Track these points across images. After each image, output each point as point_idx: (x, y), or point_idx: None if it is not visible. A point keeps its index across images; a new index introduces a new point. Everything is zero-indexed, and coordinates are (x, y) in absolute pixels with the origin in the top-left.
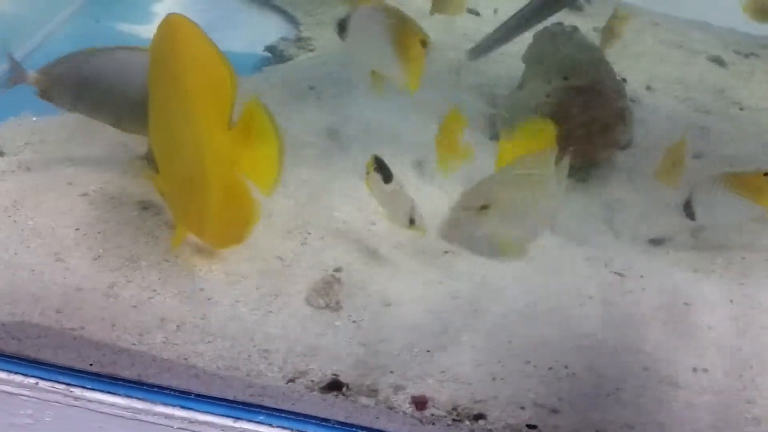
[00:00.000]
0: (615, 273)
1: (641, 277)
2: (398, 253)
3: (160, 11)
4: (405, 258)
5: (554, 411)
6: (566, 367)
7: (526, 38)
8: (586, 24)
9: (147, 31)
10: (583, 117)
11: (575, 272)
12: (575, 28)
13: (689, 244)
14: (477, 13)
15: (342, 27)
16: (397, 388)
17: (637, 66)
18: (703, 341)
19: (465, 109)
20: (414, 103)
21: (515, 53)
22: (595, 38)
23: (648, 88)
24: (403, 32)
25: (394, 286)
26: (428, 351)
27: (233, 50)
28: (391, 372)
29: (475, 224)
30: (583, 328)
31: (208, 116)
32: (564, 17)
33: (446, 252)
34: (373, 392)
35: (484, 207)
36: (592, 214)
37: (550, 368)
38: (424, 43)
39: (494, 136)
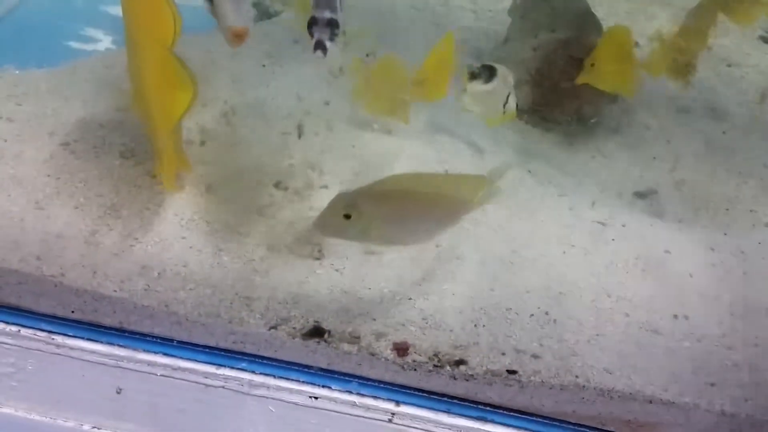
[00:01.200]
0: (597, 222)
1: (623, 226)
2: None
3: None
4: None
5: (535, 356)
6: (547, 313)
7: None
8: None
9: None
10: (570, 70)
11: (558, 221)
12: None
13: (674, 197)
14: None
15: None
16: (379, 335)
17: (625, 23)
18: (684, 288)
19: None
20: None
21: (502, 9)
22: None
23: (636, 44)
24: None
25: None
26: (410, 298)
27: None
28: (374, 319)
29: (340, 228)
30: (566, 276)
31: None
32: None
33: None
34: (355, 339)
35: (347, 216)
36: (579, 166)
37: (532, 315)
38: None
39: None
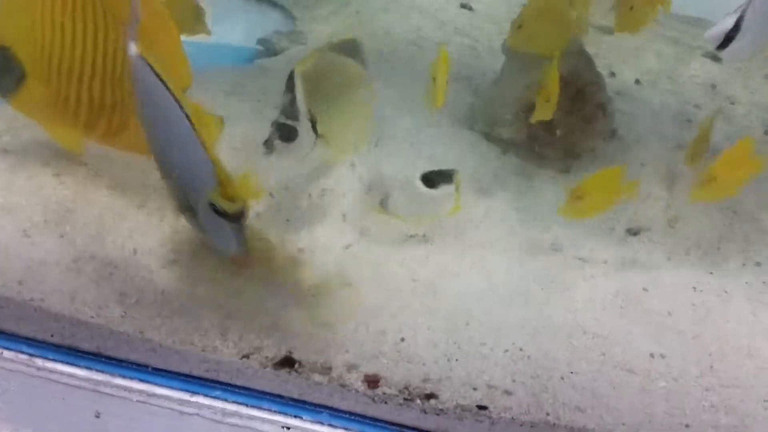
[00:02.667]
0: (578, 258)
1: (605, 262)
2: (360, 236)
3: None
4: (366, 241)
5: (507, 392)
6: (521, 349)
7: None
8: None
9: None
10: (562, 107)
11: (539, 257)
12: None
13: (666, 235)
14: (470, 8)
15: None
16: (351, 367)
17: (630, 60)
18: (662, 327)
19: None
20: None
21: (498, 46)
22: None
23: (637, 81)
24: None
25: (353, 266)
26: (383, 331)
27: (229, 43)
28: (347, 351)
29: None
30: (542, 312)
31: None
32: None
33: (411, 236)
34: (326, 370)
35: None
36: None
37: (506, 350)
38: None
39: (471, 127)
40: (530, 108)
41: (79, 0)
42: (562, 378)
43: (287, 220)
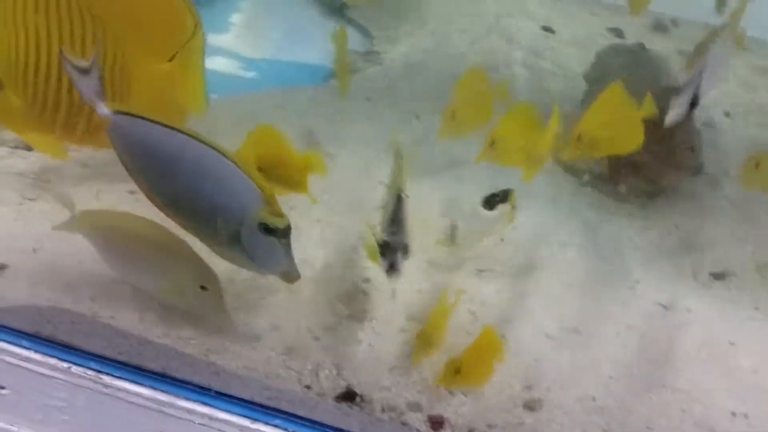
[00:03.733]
0: (660, 304)
1: (688, 311)
2: (427, 267)
3: (238, 21)
4: (433, 273)
5: None
6: (594, 399)
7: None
8: (670, 45)
9: (224, 40)
10: (647, 140)
11: (617, 300)
12: (642, 46)
13: (754, 281)
14: (551, 31)
15: None
16: (413, 406)
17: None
18: (746, 384)
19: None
20: None
21: (581, 71)
22: (678, 61)
23: (726, 114)
24: None
25: (419, 301)
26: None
27: (306, 61)
28: (410, 389)
29: None
30: (618, 359)
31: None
32: (648, 38)
33: (481, 271)
34: (390, 408)
35: None
36: (652, 240)
37: (579, 399)
38: None
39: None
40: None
41: (52, 2)
42: None
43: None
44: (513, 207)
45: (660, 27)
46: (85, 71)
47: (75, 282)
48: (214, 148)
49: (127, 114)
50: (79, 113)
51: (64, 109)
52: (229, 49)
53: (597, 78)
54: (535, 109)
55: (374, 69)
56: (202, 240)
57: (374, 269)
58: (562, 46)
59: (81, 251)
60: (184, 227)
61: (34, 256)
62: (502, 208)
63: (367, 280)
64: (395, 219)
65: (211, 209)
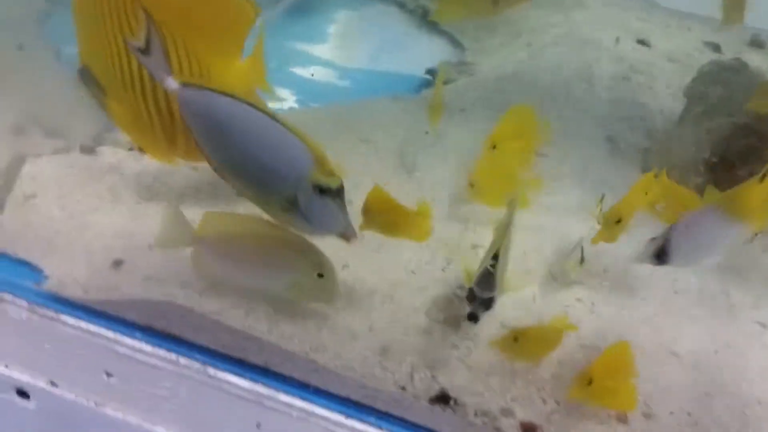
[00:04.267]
0: (758, 323)
1: None
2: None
3: (335, 31)
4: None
5: None
6: (689, 414)
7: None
8: (767, 62)
9: (321, 50)
10: (746, 156)
11: (715, 318)
12: (744, 64)
13: None
14: (648, 45)
15: None
16: (506, 412)
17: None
18: None
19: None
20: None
21: (679, 87)
22: None
23: None
24: None
25: (513, 310)
26: (543, 378)
27: (398, 71)
28: (504, 396)
29: None
30: (715, 377)
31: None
32: (744, 54)
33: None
34: (483, 413)
35: None
36: (750, 259)
37: (671, 413)
38: None
39: (646, 169)
40: (713, 155)
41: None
42: None
43: None
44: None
45: (757, 42)
46: (145, 50)
47: (185, 278)
48: (267, 114)
49: (194, 86)
50: (176, 125)
51: (161, 119)
52: (325, 58)
53: (698, 95)
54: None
55: (466, 80)
56: (264, 209)
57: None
58: (658, 59)
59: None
60: (249, 197)
61: (149, 253)
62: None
63: (462, 287)
64: (487, 275)
65: (269, 175)
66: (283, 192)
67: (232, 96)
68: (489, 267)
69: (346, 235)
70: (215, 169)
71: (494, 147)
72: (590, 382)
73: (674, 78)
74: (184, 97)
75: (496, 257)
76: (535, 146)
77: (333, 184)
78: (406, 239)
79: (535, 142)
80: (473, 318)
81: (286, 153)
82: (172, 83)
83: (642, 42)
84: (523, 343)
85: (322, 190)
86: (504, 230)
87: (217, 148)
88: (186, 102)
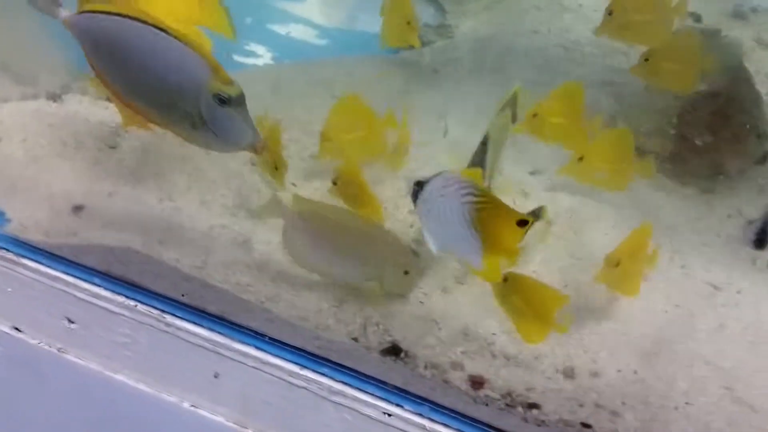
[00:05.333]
0: (710, 284)
1: (738, 292)
2: None
3: None
4: None
5: (614, 414)
6: (636, 372)
7: None
8: (747, 33)
9: (300, 9)
10: (712, 123)
11: (667, 279)
12: (717, 31)
13: None
14: None
15: None
16: (456, 365)
17: None
18: None
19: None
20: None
21: None
22: (754, 50)
23: None
24: None
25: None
26: (494, 334)
27: (377, 32)
28: (454, 348)
29: None
30: (663, 335)
31: None
32: (726, 25)
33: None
34: (432, 365)
35: None
36: (709, 224)
37: (619, 371)
38: None
39: None
40: (679, 120)
41: None
42: (676, 408)
43: None
44: (548, 223)
45: (739, 14)
46: None
47: (146, 225)
48: (158, 27)
49: (83, 13)
50: None
51: None
52: (304, 17)
53: None
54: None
55: (444, 42)
56: (171, 129)
57: None
58: None
59: (153, 199)
60: (153, 120)
61: (109, 199)
62: (537, 226)
63: (417, 241)
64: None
65: (169, 91)
66: (187, 108)
67: (121, 14)
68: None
69: (255, 146)
70: (115, 95)
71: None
72: (617, 265)
73: None
74: (75, 24)
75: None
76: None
77: (233, 92)
78: None
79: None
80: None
81: (182, 66)
82: (62, 13)
83: None
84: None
85: (222, 101)
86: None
87: (115, 73)
88: (78, 30)
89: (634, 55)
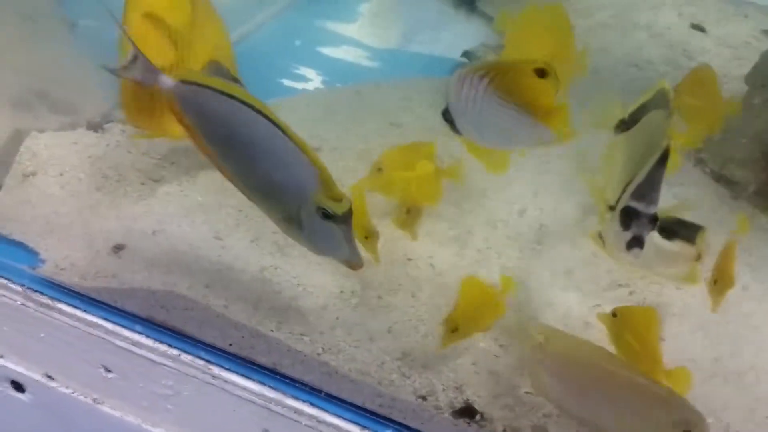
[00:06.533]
0: None
1: None
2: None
3: (366, 11)
4: (571, 284)
5: None
6: None
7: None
8: None
9: (351, 29)
10: None
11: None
12: None
13: None
14: (702, 30)
15: None
16: (538, 429)
17: None
18: None
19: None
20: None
21: (735, 74)
22: None
23: None
24: None
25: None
26: None
27: (432, 53)
28: (536, 411)
29: None
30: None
31: None
32: None
33: (620, 285)
34: (513, 429)
35: None
36: None
37: None
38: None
39: (699, 162)
40: None
41: None
42: None
43: None
44: (699, 258)
45: None
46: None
47: (192, 268)
48: (271, 119)
49: (190, 83)
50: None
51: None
52: (355, 38)
53: (762, 82)
54: None
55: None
56: (269, 216)
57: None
58: (713, 45)
59: (200, 237)
60: (254, 202)
61: (152, 238)
62: (680, 246)
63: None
64: (651, 181)
65: (273, 186)
66: (288, 208)
67: (235, 96)
68: (654, 169)
69: (352, 263)
70: (219, 169)
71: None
72: None
73: (731, 65)
74: (182, 95)
75: (665, 156)
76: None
77: (339, 210)
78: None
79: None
80: (637, 243)
81: (289, 166)
82: (166, 81)
83: (696, 27)
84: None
85: (326, 215)
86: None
87: (218, 149)
88: (184, 100)
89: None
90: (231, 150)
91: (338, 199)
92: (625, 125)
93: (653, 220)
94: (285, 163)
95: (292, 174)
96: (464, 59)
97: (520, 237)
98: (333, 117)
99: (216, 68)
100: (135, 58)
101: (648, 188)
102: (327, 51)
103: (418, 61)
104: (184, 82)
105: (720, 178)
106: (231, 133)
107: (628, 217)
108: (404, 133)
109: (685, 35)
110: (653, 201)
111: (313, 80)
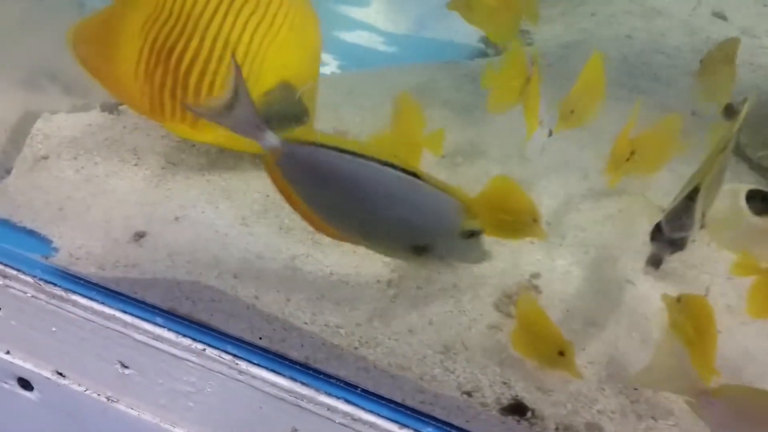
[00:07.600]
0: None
1: None
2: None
3: None
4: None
5: None
6: None
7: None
8: None
9: (365, 14)
10: None
11: None
12: None
13: None
14: (724, 18)
15: None
16: (593, 427)
17: None
18: None
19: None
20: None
21: (760, 63)
22: None
23: None
24: None
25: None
26: (635, 389)
27: (449, 38)
28: (590, 408)
29: None
30: None
31: None
32: None
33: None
34: (565, 427)
35: None
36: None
37: None
38: None
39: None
40: None
41: None
42: None
43: None
44: None
45: None
46: (228, 105)
47: (219, 256)
48: (399, 168)
49: (296, 142)
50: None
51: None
52: (370, 23)
53: None
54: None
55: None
56: (386, 253)
57: (544, 262)
58: (736, 34)
59: (226, 224)
60: (365, 244)
61: (176, 224)
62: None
63: (536, 275)
64: (683, 209)
65: (403, 228)
66: (418, 241)
67: (349, 151)
68: (688, 197)
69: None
70: (313, 222)
71: None
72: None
73: (756, 54)
74: (290, 154)
75: (697, 189)
76: None
77: (480, 225)
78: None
79: None
80: (655, 263)
81: (429, 208)
82: (272, 140)
83: (718, 15)
84: None
85: (472, 234)
86: (714, 157)
87: (327, 206)
88: (286, 159)
89: (739, 64)
90: (346, 202)
91: (476, 216)
92: (731, 111)
93: (680, 245)
94: (422, 204)
95: (434, 212)
96: (482, 45)
97: None
98: (354, 101)
99: (284, 92)
100: (235, 103)
101: (679, 213)
102: (342, 35)
103: (434, 45)
104: (288, 141)
105: (754, 166)
106: (348, 188)
107: (656, 234)
108: (432, 115)
109: (706, 23)
110: (684, 228)
111: (329, 65)
